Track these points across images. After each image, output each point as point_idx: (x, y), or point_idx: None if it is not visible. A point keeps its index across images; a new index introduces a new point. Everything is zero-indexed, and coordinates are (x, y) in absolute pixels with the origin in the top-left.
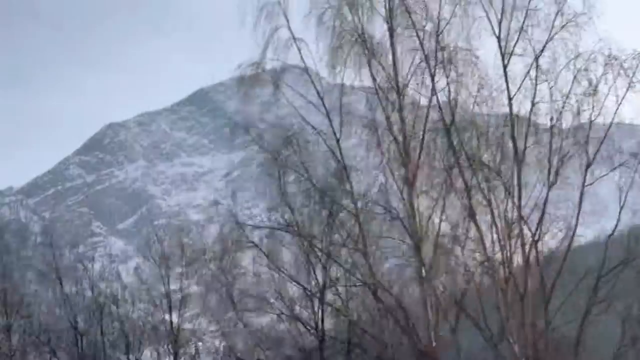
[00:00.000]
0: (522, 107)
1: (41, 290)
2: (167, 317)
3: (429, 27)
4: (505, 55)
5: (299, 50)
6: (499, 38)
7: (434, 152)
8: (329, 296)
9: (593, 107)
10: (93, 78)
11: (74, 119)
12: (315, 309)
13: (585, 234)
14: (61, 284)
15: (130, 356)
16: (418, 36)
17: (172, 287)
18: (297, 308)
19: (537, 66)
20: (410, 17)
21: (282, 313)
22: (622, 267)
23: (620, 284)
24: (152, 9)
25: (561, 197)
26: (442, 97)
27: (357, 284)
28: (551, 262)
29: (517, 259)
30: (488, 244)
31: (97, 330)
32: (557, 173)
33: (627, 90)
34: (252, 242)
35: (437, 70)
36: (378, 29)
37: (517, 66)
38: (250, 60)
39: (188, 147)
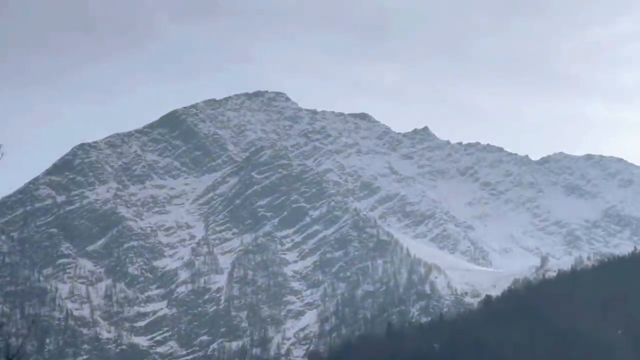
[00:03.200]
0: None
1: (9, 311)
2: (137, 339)
3: None
4: None
5: None
6: None
7: None
8: None
9: None
10: (64, 98)
11: (44, 139)
12: None
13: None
14: (30, 305)
15: None
16: None
17: (143, 309)
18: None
19: None
20: None
21: None
22: None
23: None
24: (125, 31)
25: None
26: None
27: None
28: None
29: None
30: None
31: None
32: None
33: None
34: None
35: None
36: None
37: None
38: None
39: (160, 169)
